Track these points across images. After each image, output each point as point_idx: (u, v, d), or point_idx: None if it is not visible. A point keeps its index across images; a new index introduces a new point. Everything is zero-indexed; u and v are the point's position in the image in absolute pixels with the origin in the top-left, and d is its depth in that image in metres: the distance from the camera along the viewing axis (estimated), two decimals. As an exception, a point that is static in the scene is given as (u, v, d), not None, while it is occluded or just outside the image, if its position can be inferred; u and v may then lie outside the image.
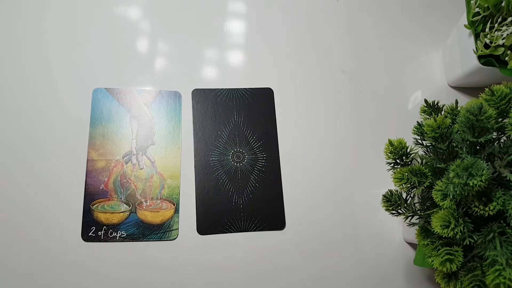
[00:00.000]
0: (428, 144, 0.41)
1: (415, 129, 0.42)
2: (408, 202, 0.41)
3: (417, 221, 0.41)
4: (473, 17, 0.49)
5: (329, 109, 0.56)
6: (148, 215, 0.49)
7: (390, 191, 0.41)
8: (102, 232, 0.48)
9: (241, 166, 0.52)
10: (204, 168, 0.52)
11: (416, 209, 0.40)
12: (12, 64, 0.53)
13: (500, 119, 0.37)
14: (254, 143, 0.53)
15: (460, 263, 0.35)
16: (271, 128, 0.54)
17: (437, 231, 0.34)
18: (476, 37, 0.49)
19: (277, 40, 0.59)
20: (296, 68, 0.58)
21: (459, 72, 0.54)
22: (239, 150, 0.52)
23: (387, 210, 0.41)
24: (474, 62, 0.49)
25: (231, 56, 0.58)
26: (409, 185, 0.38)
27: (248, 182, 0.51)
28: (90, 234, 0.48)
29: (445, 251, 0.35)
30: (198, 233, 0.49)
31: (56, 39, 0.55)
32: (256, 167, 0.52)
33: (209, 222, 0.49)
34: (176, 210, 0.50)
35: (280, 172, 0.52)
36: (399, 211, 0.41)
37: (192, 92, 0.55)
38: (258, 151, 0.53)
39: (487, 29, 0.48)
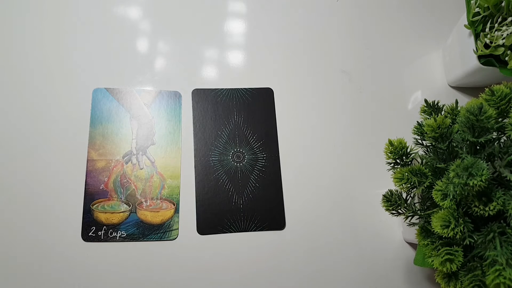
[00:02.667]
0: (428, 144, 0.41)
1: (415, 129, 0.42)
2: (408, 202, 0.41)
3: (417, 221, 0.41)
4: (473, 17, 0.49)
5: (329, 109, 0.56)
6: (148, 215, 0.49)
7: (390, 191, 0.41)
8: (102, 232, 0.48)
9: (241, 166, 0.52)
10: (204, 168, 0.52)
11: (416, 209, 0.40)
12: (12, 64, 0.53)
13: (500, 119, 0.37)
14: (254, 143, 0.53)
15: (460, 263, 0.35)
16: (271, 128, 0.54)
17: (437, 231, 0.34)
18: (476, 37, 0.49)
19: (277, 40, 0.59)
20: (296, 68, 0.58)
21: (459, 72, 0.54)
22: (239, 150, 0.52)
23: (387, 210, 0.41)
24: (474, 62, 0.49)
25: (231, 56, 0.58)
26: (409, 185, 0.38)
27: (248, 182, 0.51)
28: (90, 234, 0.48)
29: (445, 251, 0.35)
30: (198, 233, 0.49)
31: (56, 39, 0.55)
32: (256, 167, 0.52)
33: (209, 222, 0.49)
34: (176, 210, 0.50)
35: (280, 172, 0.52)
36: (399, 211, 0.41)
37: (192, 92, 0.55)
38: (258, 151, 0.53)
39: (487, 29, 0.48)
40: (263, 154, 0.53)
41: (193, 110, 0.54)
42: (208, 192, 0.51)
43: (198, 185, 0.51)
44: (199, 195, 0.50)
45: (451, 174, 0.33)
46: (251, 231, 0.50)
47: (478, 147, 0.36)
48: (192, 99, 0.54)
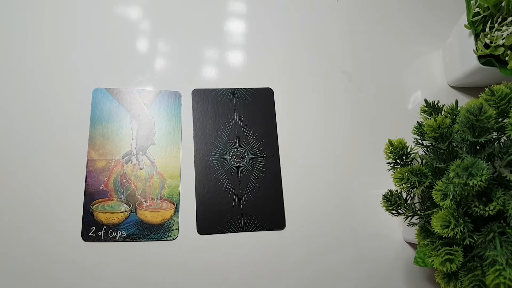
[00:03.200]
0: (428, 144, 0.41)
1: (415, 129, 0.42)
2: (408, 202, 0.41)
3: (417, 221, 0.41)
4: (473, 17, 0.49)
5: (329, 109, 0.56)
6: (148, 215, 0.49)
7: (390, 191, 0.41)
8: (102, 232, 0.48)
9: (241, 166, 0.52)
10: (204, 168, 0.52)
11: (416, 209, 0.40)
12: (12, 65, 0.53)
13: (500, 119, 0.37)
14: (254, 143, 0.53)
15: (460, 263, 0.35)
16: (271, 128, 0.54)
17: (437, 231, 0.34)
18: (476, 37, 0.49)
19: (277, 40, 0.59)
20: (296, 68, 0.58)
21: (459, 72, 0.54)
22: (239, 150, 0.52)
23: (387, 210, 0.41)
24: (474, 62, 0.49)
25: (231, 56, 0.58)
26: (409, 185, 0.38)
27: (248, 182, 0.51)
28: (90, 234, 0.48)
29: (445, 251, 0.35)
30: (198, 233, 0.49)
31: (56, 39, 0.55)
32: (256, 167, 0.52)
33: (209, 222, 0.49)
34: (176, 210, 0.50)
35: (280, 172, 0.52)
36: (399, 211, 0.41)
37: (192, 92, 0.55)
38: (258, 151, 0.53)
39: (487, 29, 0.48)
40: (263, 154, 0.53)
41: (193, 110, 0.54)
42: (208, 192, 0.51)
43: (198, 185, 0.51)
44: (199, 195, 0.50)
45: (451, 174, 0.33)
46: (251, 231, 0.50)
47: (478, 147, 0.36)
48: (192, 99, 0.54)
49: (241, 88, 0.56)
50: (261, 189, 0.51)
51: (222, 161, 0.52)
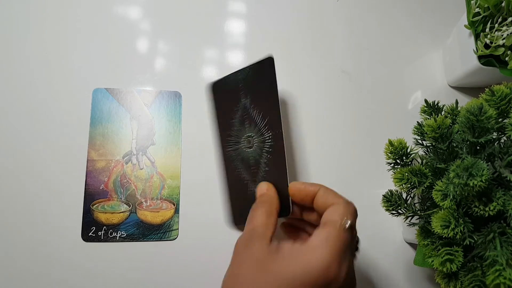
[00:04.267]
0: (428, 144, 0.41)
1: (415, 129, 0.42)
2: (408, 202, 0.41)
3: (417, 221, 0.41)
4: (473, 17, 0.49)
5: (329, 109, 0.56)
6: (148, 215, 0.49)
7: (390, 191, 0.41)
8: (102, 232, 0.48)
9: (251, 151, 0.47)
10: (223, 161, 0.49)
11: (416, 209, 0.40)
12: (12, 64, 0.53)
13: (500, 119, 0.37)
14: (260, 122, 0.47)
15: (460, 263, 0.35)
16: (273, 101, 0.47)
17: (437, 231, 0.34)
18: (476, 37, 0.49)
19: (277, 40, 0.59)
20: (296, 68, 0.58)
21: (459, 72, 0.54)
22: (249, 134, 0.48)
23: (387, 210, 0.41)
24: (474, 62, 0.49)
25: (231, 56, 0.57)
26: (409, 185, 0.38)
27: (259, 166, 0.47)
28: (90, 234, 0.48)
29: (445, 251, 0.35)
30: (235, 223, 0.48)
31: (56, 39, 0.55)
32: (264, 149, 0.47)
33: (240, 213, 0.47)
34: (176, 210, 0.50)
35: (284, 153, 0.46)
36: (399, 211, 0.41)
37: (209, 86, 0.51)
38: (264, 130, 0.47)
39: (487, 29, 0.48)
40: (269, 133, 0.47)
41: (211, 103, 0.51)
42: (232, 184, 0.48)
43: (224, 179, 0.49)
44: (227, 190, 0.48)
45: (451, 174, 0.33)
46: None
47: (478, 148, 0.36)
48: (209, 92, 0.51)
49: (244, 68, 0.49)
50: (269, 173, 0.46)
51: (236, 150, 0.49)
